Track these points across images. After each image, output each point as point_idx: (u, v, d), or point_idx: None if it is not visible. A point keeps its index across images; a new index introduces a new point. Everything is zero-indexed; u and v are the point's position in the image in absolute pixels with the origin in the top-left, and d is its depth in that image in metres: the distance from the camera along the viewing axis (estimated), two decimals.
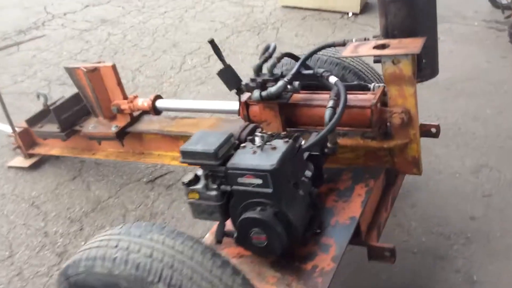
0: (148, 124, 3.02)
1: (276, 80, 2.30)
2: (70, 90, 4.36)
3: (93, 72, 2.90)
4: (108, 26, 6.06)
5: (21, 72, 5.06)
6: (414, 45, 2.03)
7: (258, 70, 2.35)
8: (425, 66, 2.21)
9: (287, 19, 5.98)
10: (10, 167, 3.61)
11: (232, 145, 1.86)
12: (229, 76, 2.42)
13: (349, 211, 2.04)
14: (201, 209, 1.91)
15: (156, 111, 2.92)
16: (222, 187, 1.83)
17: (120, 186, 3.34)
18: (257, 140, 1.83)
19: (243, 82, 2.39)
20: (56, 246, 2.90)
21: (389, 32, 2.20)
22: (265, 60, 2.37)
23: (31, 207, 3.23)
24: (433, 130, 2.69)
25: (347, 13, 5.93)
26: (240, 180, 1.76)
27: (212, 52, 2.41)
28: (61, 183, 3.42)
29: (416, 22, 2.15)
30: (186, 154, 1.84)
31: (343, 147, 2.34)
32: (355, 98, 2.28)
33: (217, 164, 1.79)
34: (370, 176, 2.23)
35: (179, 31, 5.78)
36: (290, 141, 1.81)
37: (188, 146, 1.84)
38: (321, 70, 2.32)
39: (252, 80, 2.34)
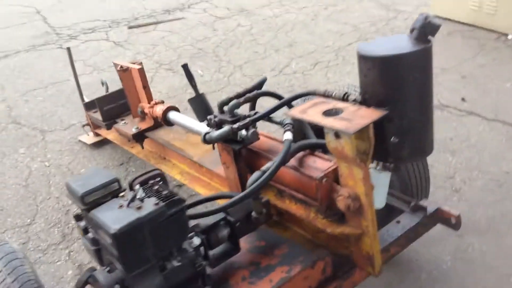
0: (165, 132, 2.97)
1: (234, 122, 2.02)
2: (172, 77, 4.58)
3: (125, 72, 2.95)
4: (243, 16, 6.11)
5: (144, 51, 5.44)
6: (360, 120, 1.55)
7: (222, 106, 2.09)
8: (398, 145, 1.68)
9: None
10: (79, 141, 3.95)
11: (112, 191, 1.70)
12: (199, 106, 2.22)
13: None
14: (87, 247, 1.82)
15: (166, 122, 2.85)
16: (90, 233, 1.71)
17: None
18: (139, 193, 1.65)
19: (209, 116, 2.16)
20: (67, 227, 3.10)
21: (361, 93, 1.72)
22: (238, 96, 2.10)
23: None
24: (453, 220, 2.11)
25: (507, 35, 4.94)
26: (99, 232, 1.62)
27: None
28: (108, 166, 3.62)
29: (390, 88, 1.64)
30: (68, 188, 1.75)
31: (292, 214, 1.97)
32: (313, 163, 1.88)
33: (84, 209, 1.66)
34: (303, 261, 1.83)
35: (304, 30, 5.52)
36: (162, 205, 1.57)
37: (70, 181, 1.74)
38: (287, 121, 1.96)
39: (215, 116, 2.10)
